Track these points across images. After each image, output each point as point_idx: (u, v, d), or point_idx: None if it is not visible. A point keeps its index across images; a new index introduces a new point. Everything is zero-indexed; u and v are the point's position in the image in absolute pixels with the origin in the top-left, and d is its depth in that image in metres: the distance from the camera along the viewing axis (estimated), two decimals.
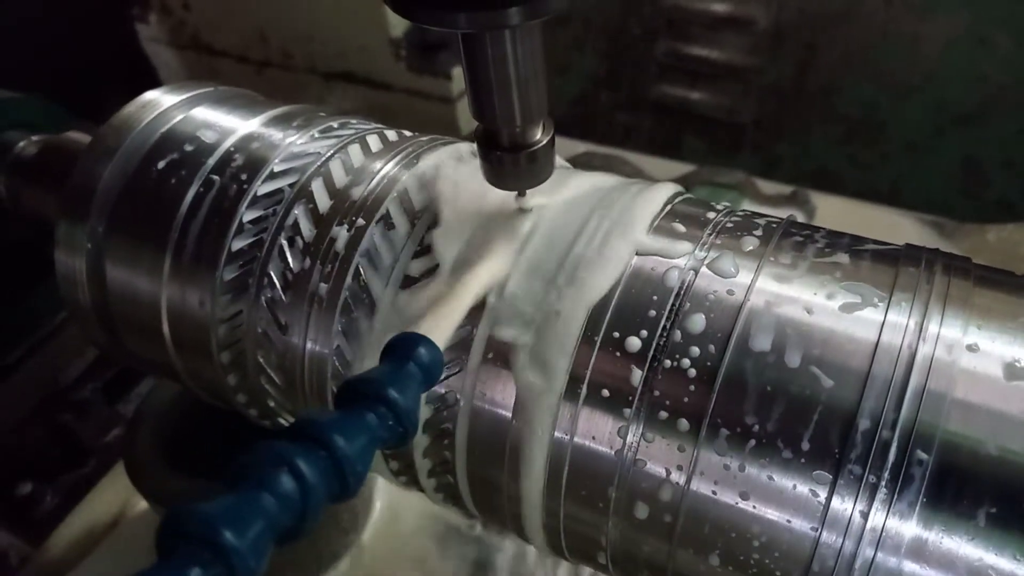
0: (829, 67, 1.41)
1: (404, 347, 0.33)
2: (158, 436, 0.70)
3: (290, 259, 0.45)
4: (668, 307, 0.37)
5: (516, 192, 0.42)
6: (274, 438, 0.27)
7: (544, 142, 0.39)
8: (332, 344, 0.44)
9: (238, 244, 0.46)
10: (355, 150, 0.49)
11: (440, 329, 0.38)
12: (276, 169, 0.48)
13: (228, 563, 0.22)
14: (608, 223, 0.41)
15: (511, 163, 0.39)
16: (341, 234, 0.45)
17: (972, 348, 0.33)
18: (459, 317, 0.39)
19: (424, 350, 0.33)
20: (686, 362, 0.36)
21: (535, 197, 0.43)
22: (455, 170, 0.46)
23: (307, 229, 0.46)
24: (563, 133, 1.25)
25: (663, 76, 1.54)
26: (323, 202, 0.46)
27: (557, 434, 0.38)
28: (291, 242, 0.45)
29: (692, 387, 0.35)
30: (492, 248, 0.41)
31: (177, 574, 0.21)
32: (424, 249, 0.43)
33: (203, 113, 0.52)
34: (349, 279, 0.43)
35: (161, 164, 0.49)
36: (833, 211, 1.09)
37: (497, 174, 0.41)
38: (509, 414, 0.39)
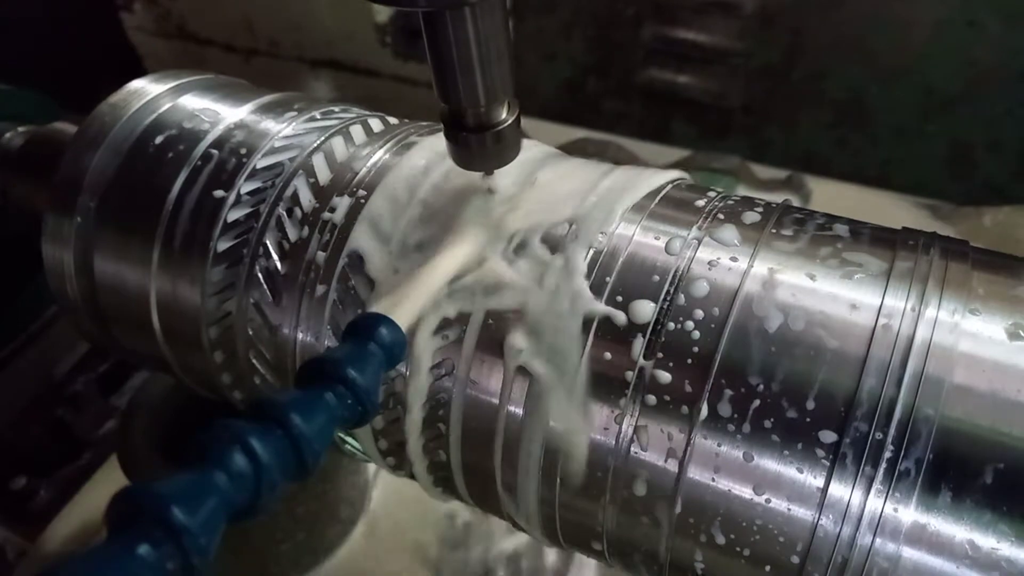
0: (817, 51, 1.40)
1: (365, 327, 0.33)
2: (152, 428, 0.69)
3: (288, 229, 0.45)
4: (672, 273, 0.37)
5: (483, 173, 0.42)
6: (233, 417, 0.27)
7: (510, 121, 0.39)
8: (327, 314, 0.43)
9: (234, 215, 0.46)
10: (357, 130, 0.49)
11: (403, 310, 0.38)
12: (277, 144, 0.47)
13: (178, 541, 0.22)
14: (586, 209, 0.41)
15: (477, 143, 0.39)
16: (342, 204, 0.44)
17: (970, 331, 0.33)
18: (425, 299, 0.39)
19: (386, 330, 0.33)
20: (689, 324, 0.36)
21: (504, 178, 0.42)
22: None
23: (307, 200, 0.45)
24: (551, 119, 1.25)
25: (651, 61, 1.54)
26: (324, 175, 0.46)
27: (552, 424, 0.38)
28: (289, 213, 0.45)
29: (696, 348, 0.35)
30: (460, 230, 0.41)
31: (126, 551, 0.21)
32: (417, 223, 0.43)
33: (190, 101, 0.52)
34: (348, 247, 0.43)
35: (159, 139, 0.49)
36: (829, 195, 1.09)
37: (463, 155, 0.40)
38: (502, 402, 0.39)
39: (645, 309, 0.37)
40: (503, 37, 0.36)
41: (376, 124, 0.50)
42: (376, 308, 0.36)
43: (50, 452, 0.83)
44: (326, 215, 0.44)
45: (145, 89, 0.52)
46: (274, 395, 0.28)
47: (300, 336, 0.45)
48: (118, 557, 0.21)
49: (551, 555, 0.75)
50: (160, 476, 0.24)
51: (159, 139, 0.49)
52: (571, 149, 0.48)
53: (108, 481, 0.80)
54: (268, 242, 0.45)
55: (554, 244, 0.40)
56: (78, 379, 0.84)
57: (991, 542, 0.30)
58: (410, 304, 0.38)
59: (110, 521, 0.23)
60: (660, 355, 0.36)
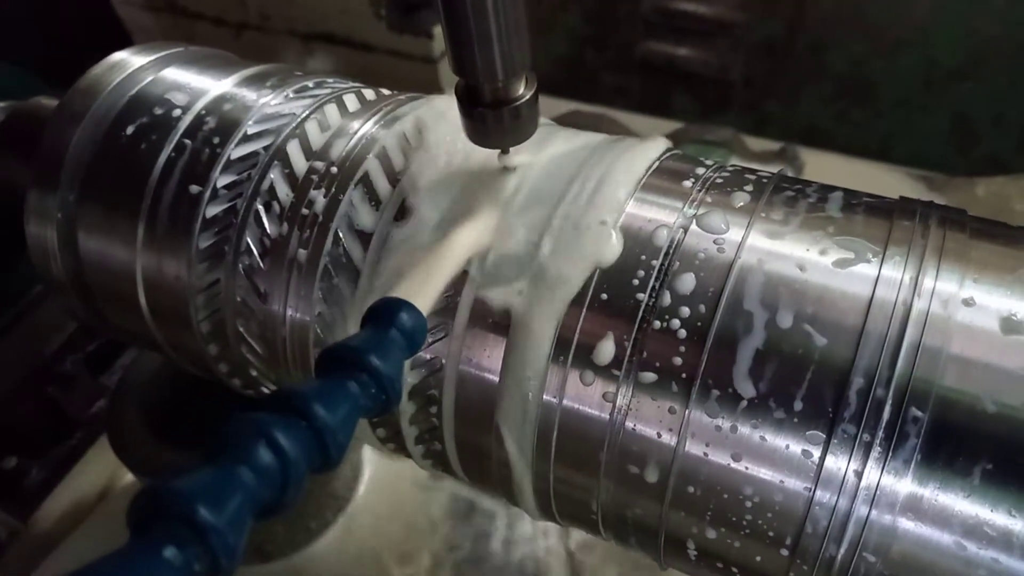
0: (819, 23, 1.39)
1: (386, 313, 0.32)
2: (142, 407, 0.69)
3: (267, 225, 0.44)
4: (657, 268, 0.36)
5: (499, 150, 0.41)
6: (253, 409, 0.26)
7: (527, 97, 0.38)
8: (313, 311, 0.42)
9: (212, 210, 0.45)
10: (331, 110, 0.47)
11: (423, 294, 0.37)
12: (250, 131, 0.46)
13: (205, 540, 0.21)
14: (592, 183, 0.40)
15: (494, 120, 0.38)
16: (319, 198, 0.43)
17: (968, 302, 0.32)
18: (444, 281, 0.38)
19: (406, 315, 0.32)
20: (676, 323, 0.35)
21: (519, 155, 0.41)
22: (436, 128, 0.44)
23: (284, 193, 0.44)
24: (549, 93, 1.23)
25: (650, 33, 1.52)
26: (299, 165, 0.45)
27: (546, 397, 0.37)
28: (267, 207, 0.44)
29: (682, 348, 0.34)
30: (476, 209, 0.40)
31: (151, 553, 0.20)
32: (405, 211, 0.41)
33: (174, 74, 0.50)
34: (329, 244, 0.42)
35: (130, 129, 0.48)
36: (822, 167, 1.08)
37: (479, 132, 0.39)
38: (496, 378, 0.38)
39: (628, 307, 0.36)
40: (521, 8, 0.34)
41: (351, 101, 0.48)
42: (394, 292, 0.35)
43: (41, 432, 0.82)
44: (304, 209, 0.43)
45: (125, 62, 0.51)
46: (296, 386, 0.27)
47: (289, 331, 0.44)
48: (143, 560, 0.20)
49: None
50: (160, 461, 0.23)
51: (131, 128, 0.47)
52: (562, 122, 0.47)
53: (99, 461, 0.80)
54: (249, 239, 0.44)
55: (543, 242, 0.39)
56: (67, 358, 0.83)
57: (988, 512, 0.29)
58: (429, 288, 0.37)
59: (132, 521, 0.22)
60: (646, 355, 0.35)
